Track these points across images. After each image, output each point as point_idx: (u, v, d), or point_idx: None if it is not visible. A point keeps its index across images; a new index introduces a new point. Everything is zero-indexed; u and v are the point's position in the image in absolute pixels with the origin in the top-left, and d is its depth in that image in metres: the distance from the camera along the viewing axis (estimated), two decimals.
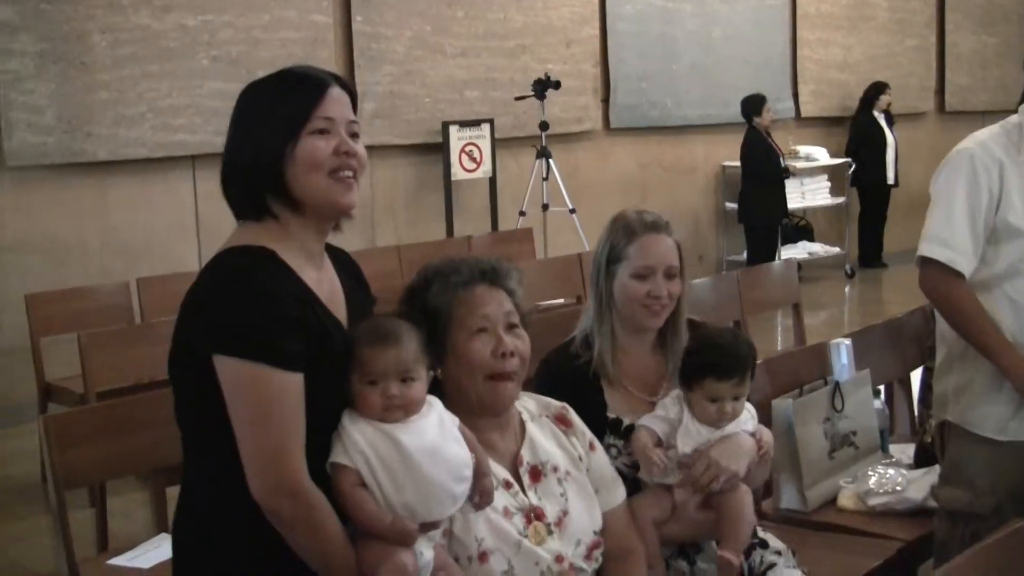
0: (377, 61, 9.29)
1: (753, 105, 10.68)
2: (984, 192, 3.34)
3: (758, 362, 3.96)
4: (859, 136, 12.10)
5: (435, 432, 2.34)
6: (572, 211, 9.54)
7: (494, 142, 9.59)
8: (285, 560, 2.26)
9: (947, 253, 3.33)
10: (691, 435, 2.93)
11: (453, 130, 9.41)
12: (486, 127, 9.57)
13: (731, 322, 5.98)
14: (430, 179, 9.65)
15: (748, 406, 3.03)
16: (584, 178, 10.59)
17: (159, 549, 3.70)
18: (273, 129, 2.30)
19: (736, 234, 11.45)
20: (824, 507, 3.84)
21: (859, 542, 3.57)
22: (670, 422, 2.96)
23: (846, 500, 3.83)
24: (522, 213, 9.42)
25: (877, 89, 12.07)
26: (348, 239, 8.11)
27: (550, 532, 2.58)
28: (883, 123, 12.10)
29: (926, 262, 3.39)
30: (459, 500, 2.35)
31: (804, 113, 12.29)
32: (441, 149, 9.45)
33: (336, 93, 2.36)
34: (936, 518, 3.53)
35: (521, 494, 2.60)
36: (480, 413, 2.61)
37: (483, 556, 2.49)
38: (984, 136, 3.45)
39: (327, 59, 8.93)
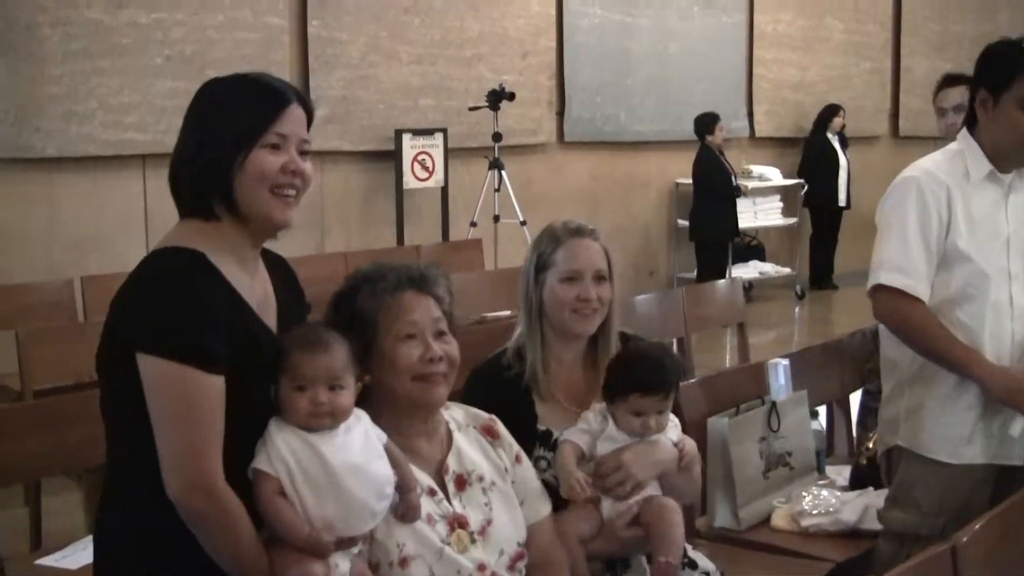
0: (331, 65, 9.25)
1: (705, 123, 10.74)
2: (934, 218, 3.37)
3: (695, 379, 4.00)
4: (812, 157, 12.19)
5: (359, 448, 2.34)
6: (523, 223, 9.53)
7: (447, 151, 9.57)
8: (204, 559, 2.27)
9: (905, 280, 3.36)
10: (614, 441, 2.93)
11: (406, 138, 9.38)
12: (439, 136, 9.55)
13: (675, 339, 6.00)
14: (382, 186, 9.61)
15: (674, 419, 3.04)
16: (537, 190, 10.58)
17: (87, 550, 3.65)
18: (229, 136, 2.31)
19: (688, 251, 11.49)
20: (758, 526, 3.85)
21: (791, 562, 3.59)
22: (592, 434, 2.96)
23: (779, 520, 3.84)
24: (473, 224, 9.40)
25: (831, 111, 12.16)
26: (297, 244, 8.10)
27: (473, 541, 2.58)
28: (836, 145, 12.20)
29: (881, 289, 3.41)
30: (378, 516, 2.36)
31: (758, 132, 12.36)
32: (394, 156, 9.41)
33: (294, 110, 2.38)
34: (880, 539, 3.56)
35: (445, 502, 2.59)
36: (409, 416, 2.60)
37: (404, 562, 2.48)
38: (927, 163, 3.49)
39: (281, 61, 8.88)
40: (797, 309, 11.93)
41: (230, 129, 2.31)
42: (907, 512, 3.45)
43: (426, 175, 9.52)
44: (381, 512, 2.36)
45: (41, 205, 7.85)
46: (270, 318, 2.44)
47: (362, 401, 2.53)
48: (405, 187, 9.42)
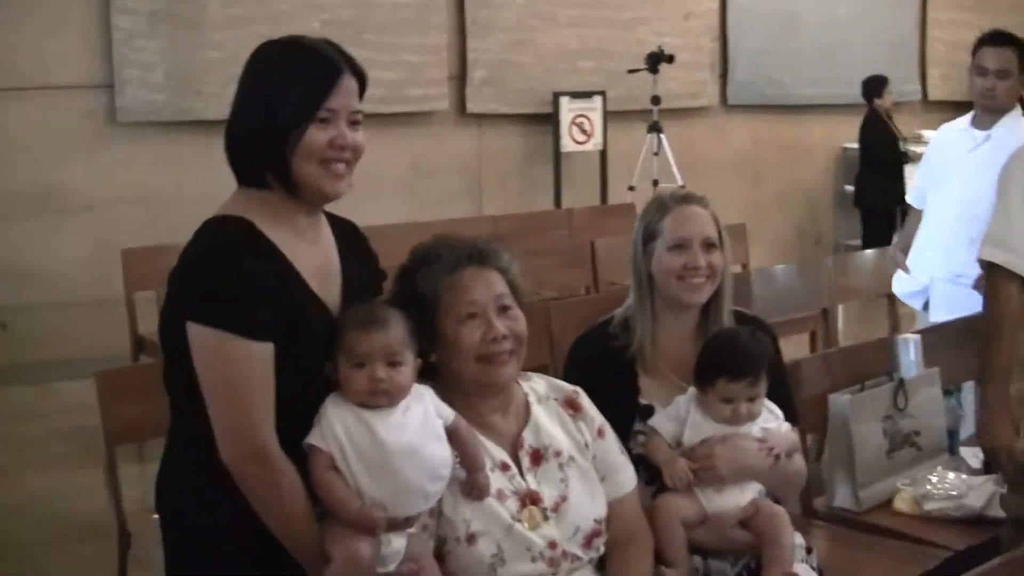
0: (488, 28, 9.25)
1: (874, 86, 10.39)
2: None
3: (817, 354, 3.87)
4: None
5: (416, 428, 2.33)
6: (682, 187, 9.40)
7: (606, 115, 9.50)
8: (259, 526, 2.29)
9: (1004, 255, 3.21)
10: (700, 428, 2.86)
11: (564, 101, 9.34)
12: (598, 99, 9.48)
13: (819, 310, 5.84)
14: (539, 150, 9.60)
15: (771, 406, 2.93)
16: (698, 154, 10.42)
17: None
18: (284, 113, 2.32)
19: (854, 218, 11.17)
20: (878, 508, 3.68)
21: (906, 548, 3.42)
22: (680, 420, 2.88)
23: (902, 503, 3.68)
24: (631, 188, 9.30)
25: None
26: (455, 207, 8.23)
27: (546, 517, 2.53)
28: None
29: (987, 265, 3.27)
30: (432, 498, 2.35)
31: (932, 96, 11.90)
32: (551, 120, 9.38)
33: (346, 82, 2.38)
34: (1002, 527, 3.40)
35: (518, 477, 2.55)
36: (478, 395, 2.56)
37: (471, 538, 2.45)
38: None
39: (439, 25, 8.94)
40: None
41: (284, 105, 2.31)
42: None
43: (584, 138, 9.48)
44: (435, 494, 2.35)
45: (199, 167, 8.03)
46: (331, 285, 2.44)
47: (432, 377, 2.51)
48: (563, 150, 9.40)
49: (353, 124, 2.39)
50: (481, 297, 2.53)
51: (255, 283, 2.25)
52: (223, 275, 2.25)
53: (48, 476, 5.86)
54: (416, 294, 2.53)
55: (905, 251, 5.26)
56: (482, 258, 2.57)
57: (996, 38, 4.88)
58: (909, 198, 5.49)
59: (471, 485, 2.42)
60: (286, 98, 2.32)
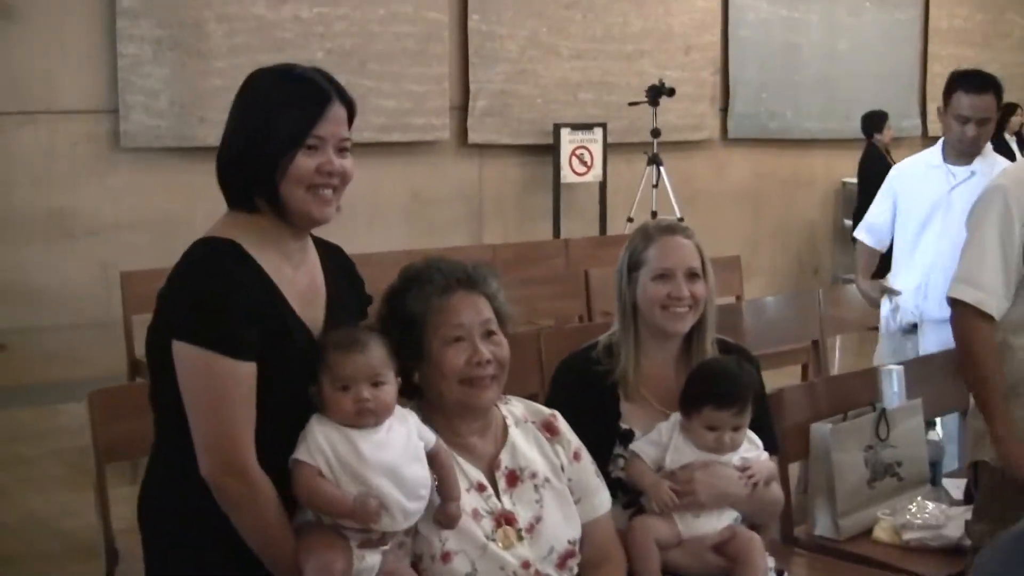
0: (491, 60, 9.34)
1: (874, 121, 10.45)
2: (1018, 229, 3.24)
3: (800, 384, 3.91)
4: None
5: (398, 448, 2.38)
6: (680, 220, 9.44)
7: (606, 146, 9.57)
8: (239, 541, 2.35)
9: (976, 294, 3.26)
10: (682, 454, 2.90)
11: (565, 132, 9.41)
12: (598, 131, 9.56)
13: (810, 342, 5.88)
14: (539, 180, 9.67)
15: (751, 436, 2.98)
16: (698, 187, 10.50)
17: None
18: (272, 140, 2.37)
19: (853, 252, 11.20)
20: (859, 537, 3.73)
21: None
22: (662, 446, 2.93)
23: (881, 532, 3.73)
24: (630, 219, 9.36)
25: (1008, 111, 11.69)
26: (455, 236, 8.25)
27: (520, 538, 2.58)
28: (1014, 146, 11.73)
29: (955, 303, 3.33)
30: (412, 516, 2.39)
31: (932, 132, 11.93)
32: (552, 151, 9.46)
33: (335, 111, 2.42)
34: (968, 555, 3.44)
35: (494, 498, 2.60)
36: (459, 416, 2.62)
37: (446, 556, 2.51)
38: (1021, 172, 3.37)
39: (441, 55, 9.02)
40: None
41: (274, 132, 2.37)
42: (993, 526, 3.32)
43: (584, 170, 9.54)
44: (415, 512, 2.39)
45: (202, 193, 8.08)
46: (316, 308, 2.49)
47: (414, 397, 2.56)
48: (563, 181, 9.47)
49: (341, 151, 2.44)
50: (468, 321, 2.58)
51: (240, 302, 2.31)
52: (208, 294, 2.30)
53: (45, 495, 5.91)
54: (405, 314, 2.58)
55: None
56: (471, 283, 2.62)
57: (975, 84, 4.74)
58: (863, 234, 5.43)
59: (444, 513, 2.47)
60: (276, 125, 2.37)
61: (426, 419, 2.54)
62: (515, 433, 2.70)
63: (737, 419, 2.90)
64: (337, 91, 2.45)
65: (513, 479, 2.64)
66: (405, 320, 2.57)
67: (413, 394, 2.60)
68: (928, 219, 4.97)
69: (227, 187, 2.46)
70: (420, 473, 2.40)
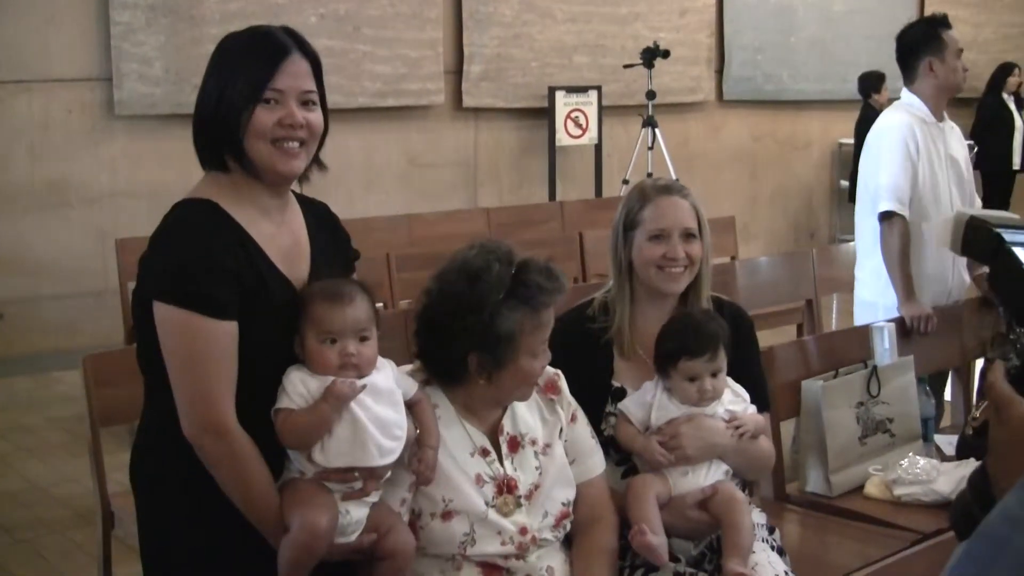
0: (485, 23, 9.32)
1: (871, 82, 10.43)
2: None
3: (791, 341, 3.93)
4: (986, 118, 11.73)
5: (372, 390, 2.39)
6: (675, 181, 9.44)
7: (601, 109, 9.55)
8: (225, 499, 2.37)
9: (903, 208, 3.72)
10: (667, 411, 2.92)
11: (559, 95, 9.40)
12: (593, 94, 9.54)
13: (803, 301, 5.90)
14: (535, 144, 9.67)
15: (736, 388, 3.00)
16: (694, 149, 10.50)
17: None
18: (233, 95, 2.38)
19: (851, 213, 11.20)
20: (850, 493, 3.77)
21: (875, 532, 3.50)
22: (646, 405, 2.95)
23: (873, 488, 3.76)
24: (625, 181, 9.36)
25: (1005, 70, 11.67)
26: (452, 200, 8.26)
27: (519, 504, 2.62)
28: (1012, 106, 11.72)
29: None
30: (387, 455, 2.39)
31: None
32: (547, 114, 9.45)
33: (292, 63, 2.42)
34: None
35: (497, 463, 2.63)
36: (491, 406, 2.68)
37: (446, 515, 2.55)
38: None
39: (435, 19, 9.00)
40: None
41: (234, 88, 2.38)
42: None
43: (579, 132, 9.53)
44: (389, 451, 2.39)
45: (196, 160, 8.11)
46: (299, 264, 2.51)
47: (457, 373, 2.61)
48: (558, 144, 9.46)
49: (305, 104, 2.44)
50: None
51: (218, 262, 2.33)
52: (186, 255, 2.32)
53: (45, 463, 5.96)
54: (493, 322, 2.54)
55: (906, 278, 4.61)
56: (550, 301, 2.63)
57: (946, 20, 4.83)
58: (896, 205, 4.61)
59: (420, 459, 2.48)
60: (234, 81, 2.38)
61: (448, 386, 2.62)
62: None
63: (712, 364, 2.90)
64: (298, 44, 2.45)
65: (515, 444, 2.68)
66: (489, 323, 2.54)
67: (448, 373, 2.62)
68: (936, 184, 4.76)
69: (198, 148, 2.48)
70: (394, 415, 2.42)
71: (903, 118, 4.74)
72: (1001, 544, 1.17)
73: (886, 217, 4.59)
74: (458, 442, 2.61)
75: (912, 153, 4.66)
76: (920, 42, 4.78)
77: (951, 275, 4.76)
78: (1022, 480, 1.22)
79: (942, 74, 4.75)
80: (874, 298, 4.79)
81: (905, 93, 4.86)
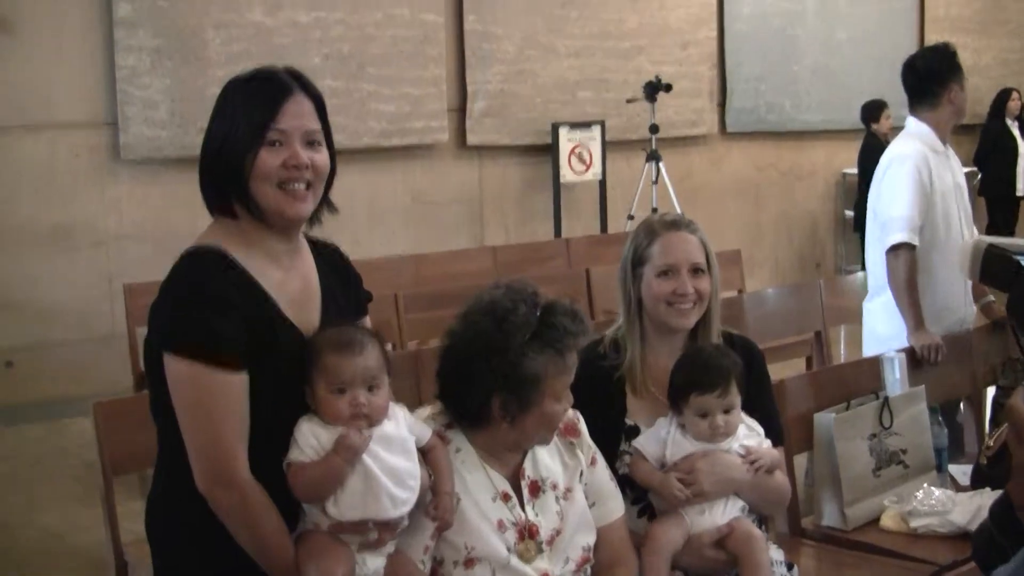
0: (488, 60, 9.35)
1: (871, 111, 10.45)
2: None
3: (802, 373, 3.92)
4: (988, 144, 11.75)
5: (383, 440, 2.37)
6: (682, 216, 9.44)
7: (604, 144, 9.57)
8: (240, 550, 2.35)
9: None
10: (682, 447, 2.91)
11: (563, 131, 9.41)
12: (596, 129, 9.56)
13: (811, 333, 5.89)
14: (539, 180, 9.68)
15: (750, 422, 2.99)
16: (698, 182, 10.50)
17: None
18: (236, 137, 2.37)
19: (856, 242, 11.22)
20: (866, 526, 3.75)
21: (892, 564, 3.48)
22: (662, 442, 2.94)
23: (889, 520, 3.74)
24: (630, 217, 9.35)
25: (1005, 95, 11.70)
26: (457, 238, 8.23)
27: (540, 550, 2.60)
28: (1015, 131, 11.73)
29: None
30: (400, 505, 2.37)
31: None
32: (550, 150, 9.46)
33: (294, 103, 2.40)
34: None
35: (518, 508, 2.62)
36: (513, 449, 2.67)
37: (469, 563, 2.53)
38: None
39: (437, 57, 9.03)
40: None
41: (237, 130, 2.36)
42: None
43: (583, 168, 9.55)
44: (403, 502, 2.37)
45: (203, 203, 8.12)
46: (310, 310, 2.48)
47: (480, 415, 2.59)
48: (562, 180, 9.47)
49: (310, 144, 2.41)
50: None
51: (227, 315, 2.30)
52: (193, 307, 2.30)
53: (57, 512, 5.92)
54: (518, 364, 2.53)
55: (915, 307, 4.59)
56: (576, 345, 2.62)
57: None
58: (909, 235, 4.58)
59: (435, 505, 2.46)
60: (238, 123, 2.36)
61: (470, 430, 2.61)
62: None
63: (723, 400, 2.90)
64: (301, 84, 2.43)
65: (535, 489, 2.66)
66: (516, 371, 2.53)
67: (470, 414, 2.61)
68: (948, 212, 4.76)
69: (205, 193, 2.46)
70: (407, 464, 2.39)
71: (917, 147, 4.72)
72: None
73: (894, 248, 4.56)
74: (480, 487, 2.59)
75: (926, 183, 4.65)
76: (945, 69, 4.80)
77: (963, 304, 4.74)
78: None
79: (958, 101, 4.78)
80: (890, 332, 4.67)
81: (913, 122, 4.83)
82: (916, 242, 4.59)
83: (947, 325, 4.65)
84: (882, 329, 4.78)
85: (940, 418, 4.20)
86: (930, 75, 4.80)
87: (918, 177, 4.63)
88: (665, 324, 3.08)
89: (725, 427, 2.91)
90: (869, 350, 4.79)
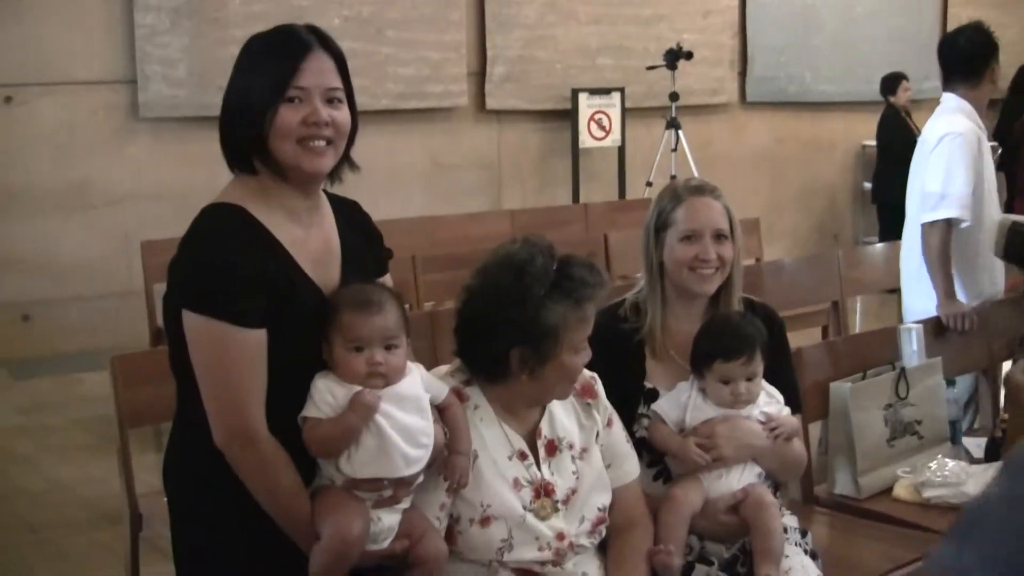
0: (508, 25, 9.32)
1: (889, 83, 10.38)
2: None
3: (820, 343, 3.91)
4: (1008, 120, 11.66)
5: (396, 397, 2.36)
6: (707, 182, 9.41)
7: (624, 111, 9.54)
8: (256, 506, 2.36)
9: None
10: (702, 412, 2.91)
11: (583, 97, 9.39)
12: (616, 96, 9.53)
13: (828, 302, 5.88)
14: (558, 146, 9.66)
15: (771, 389, 2.99)
16: (717, 151, 10.47)
17: None
18: (256, 95, 2.35)
19: (874, 214, 11.17)
20: (879, 496, 3.75)
21: (904, 534, 3.48)
22: (682, 406, 2.94)
23: (902, 490, 3.74)
24: (649, 184, 9.34)
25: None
26: (474, 202, 8.25)
27: (556, 509, 2.60)
28: None
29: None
30: (413, 464, 2.37)
31: None
32: (570, 116, 9.44)
33: (315, 60, 2.38)
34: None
35: (535, 467, 2.61)
36: (532, 404, 2.67)
37: (485, 520, 2.53)
38: None
39: (458, 21, 9.00)
40: None
41: (258, 87, 2.35)
42: None
43: (603, 134, 9.52)
44: (415, 461, 2.37)
45: (221, 161, 8.11)
46: (331, 267, 2.48)
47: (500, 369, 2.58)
48: (581, 146, 9.46)
49: (330, 102, 2.40)
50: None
51: (245, 269, 2.29)
52: (213, 263, 2.29)
53: (70, 464, 5.98)
54: (537, 315, 2.52)
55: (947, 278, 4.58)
56: (593, 296, 2.60)
57: None
58: (961, 211, 4.54)
59: (448, 467, 2.46)
60: (257, 80, 2.35)
61: (489, 383, 2.60)
62: (554, 403, 2.71)
63: (747, 368, 2.90)
64: (321, 41, 2.41)
65: (552, 448, 2.66)
66: (535, 322, 2.52)
67: (489, 370, 2.60)
68: (988, 188, 4.75)
69: (225, 151, 2.44)
70: (420, 422, 2.39)
71: (968, 125, 4.67)
72: None
73: (933, 220, 4.58)
74: (497, 444, 2.59)
75: (978, 161, 4.63)
76: (989, 48, 4.76)
77: (1001, 278, 4.81)
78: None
79: (996, 79, 4.81)
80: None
81: (954, 98, 4.76)
82: (968, 219, 4.56)
83: (988, 300, 4.70)
84: (931, 305, 4.62)
85: (955, 391, 4.17)
86: (974, 53, 4.75)
87: (972, 156, 4.60)
88: (686, 289, 3.07)
89: (747, 394, 2.91)
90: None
